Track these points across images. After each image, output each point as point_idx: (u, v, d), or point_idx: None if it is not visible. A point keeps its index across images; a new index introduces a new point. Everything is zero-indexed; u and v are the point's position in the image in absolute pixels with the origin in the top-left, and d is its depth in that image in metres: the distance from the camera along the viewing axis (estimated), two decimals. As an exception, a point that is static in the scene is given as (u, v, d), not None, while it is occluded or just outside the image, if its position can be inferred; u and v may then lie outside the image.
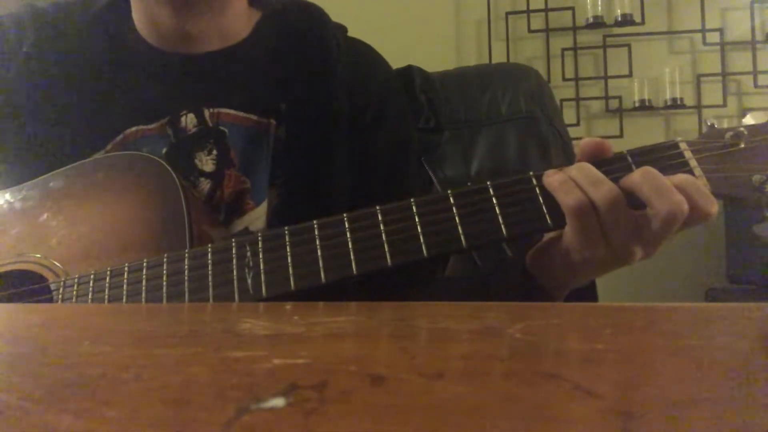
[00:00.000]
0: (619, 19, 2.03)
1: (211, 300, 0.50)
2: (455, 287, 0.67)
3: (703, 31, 2.03)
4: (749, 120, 0.51)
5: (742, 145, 0.49)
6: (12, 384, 0.21)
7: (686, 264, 1.95)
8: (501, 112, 0.92)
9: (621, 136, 2.05)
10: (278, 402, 0.17)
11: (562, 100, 2.05)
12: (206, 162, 0.65)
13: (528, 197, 0.48)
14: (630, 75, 2.08)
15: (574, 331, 0.32)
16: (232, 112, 0.66)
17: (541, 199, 0.48)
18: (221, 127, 0.66)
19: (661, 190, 0.45)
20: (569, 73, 2.09)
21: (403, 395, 0.18)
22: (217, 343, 0.28)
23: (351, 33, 0.76)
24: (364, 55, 0.74)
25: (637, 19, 2.03)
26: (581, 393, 0.18)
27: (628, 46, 2.06)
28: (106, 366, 0.23)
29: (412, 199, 0.49)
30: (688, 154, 0.49)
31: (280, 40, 0.71)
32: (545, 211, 0.47)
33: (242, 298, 0.50)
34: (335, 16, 0.75)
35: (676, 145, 0.49)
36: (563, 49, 2.09)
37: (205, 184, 0.64)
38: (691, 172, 0.48)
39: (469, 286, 0.66)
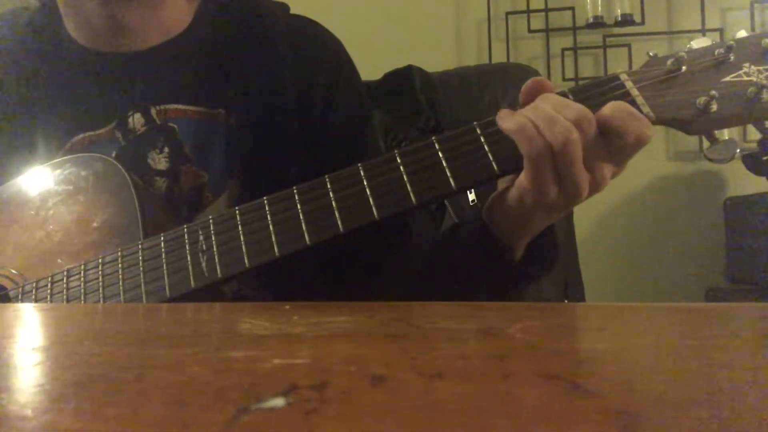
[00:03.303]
0: (619, 19, 2.03)
1: (167, 287, 0.50)
2: (424, 253, 0.66)
3: (703, 31, 2.03)
4: (693, 45, 0.51)
5: (684, 69, 0.49)
6: (12, 384, 0.21)
7: (686, 264, 1.95)
8: (501, 112, 0.92)
9: (621, 136, 2.05)
10: (278, 402, 0.17)
11: (562, 100, 2.05)
12: (159, 161, 0.64)
13: (473, 147, 0.48)
14: (630, 75, 2.07)
15: (574, 331, 0.32)
16: (180, 107, 0.65)
17: (486, 147, 0.48)
18: (170, 124, 0.65)
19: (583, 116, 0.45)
20: (569, 73, 2.09)
21: (403, 395, 0.18)
22: (217, 343, 0.28)
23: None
24: (309, 32, 0.72)
25: (637, 19, 2.03)
26: (581, 393, 0.18)
27: (628, 46, 2.06)
28: (106, 366, 0.23)
29: (359, 164, 0.49)
30: (629, 84, 0.49)
31: (220, 26, 0.69)
32: (491, 158, 0.47)
33: (197, 281, 0.50)
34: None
35: (616, 77, 0.49)
36: (563, 49, 2.09)
37: (162, 183, 0.63)
38: (633, 101, 0.48)
39: (436, 247, 0.65)
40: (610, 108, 0.46)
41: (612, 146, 0.46)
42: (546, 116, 0.46)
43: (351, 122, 0.70)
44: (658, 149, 2.01)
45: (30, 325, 0.37)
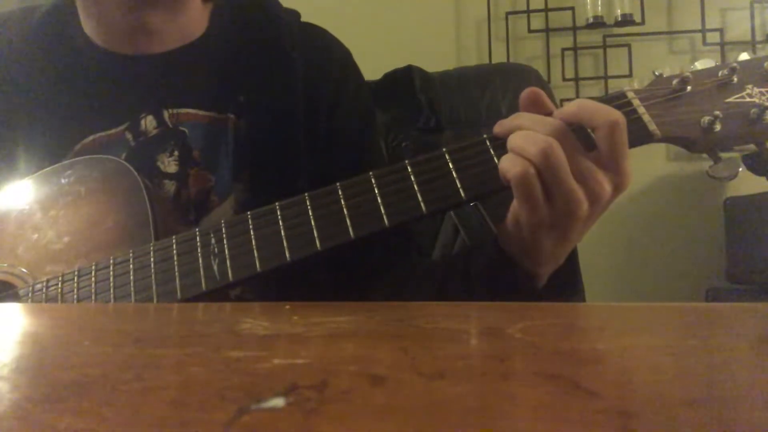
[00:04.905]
0: (619, 19, 2.03)
1: (178, 289, 0.50)
2: (438, 271, 0.66)
3: (703, 31, 2.03)
4: (697, 66, 0.52)
5: (689, 89, 0.50)
6: (12, 384, 0.21)
7: (686, 264, 1.95)
8: (501, 113, 0.92)
9: (621, 136, 2.05)
10: (278, 402, 0.17)
11: (562, 100, 2.05)
12: (169, 164, 0.64)
13: (483, 159, 0.48)
14: (630, 75, 2.07)
15: (574, 331, 0.32)
16: (191, 111, 0.65)
17: (495, 159, 0.48)
18: (181, 128, 0.65)
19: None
20: (569, 73, 2.09)
21: (403, 395, 0.18)
22: (217, 343, 0.28)
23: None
24: (319, 40, 0.73)
25: (637, 19, 2.03)
26: (581, 393, 0.18)
27: (628, 46, 2.06)
28: (106, 366, 0.23)
29: (370, 173, 0.49)
30: (636, 102, 0.49)
31: (233, 32, 0.70)
32: None
33: (209, 284, 0.50)
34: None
35: (623, 95, 0.50)
36: (563, 49, 2.09)
37: (170, 186, 0.63)
38: (640, 119, 0.48)
39: (452, 268, 0.64)
40: (573, 104, 0.48)
41: (596, 149, 0.46)
42: (521, 135, 0.46)
43: (356, 130, 0.71)
44: (658, 149, 2.01)
45: (30, 324, 0.37)
